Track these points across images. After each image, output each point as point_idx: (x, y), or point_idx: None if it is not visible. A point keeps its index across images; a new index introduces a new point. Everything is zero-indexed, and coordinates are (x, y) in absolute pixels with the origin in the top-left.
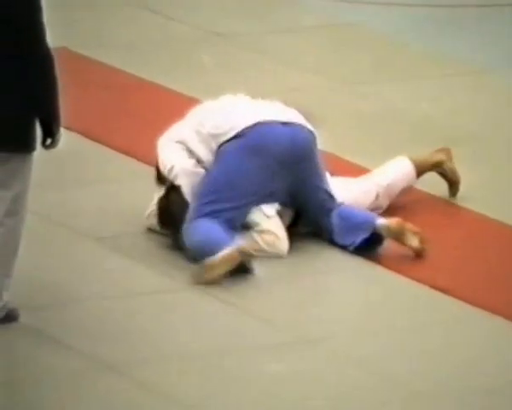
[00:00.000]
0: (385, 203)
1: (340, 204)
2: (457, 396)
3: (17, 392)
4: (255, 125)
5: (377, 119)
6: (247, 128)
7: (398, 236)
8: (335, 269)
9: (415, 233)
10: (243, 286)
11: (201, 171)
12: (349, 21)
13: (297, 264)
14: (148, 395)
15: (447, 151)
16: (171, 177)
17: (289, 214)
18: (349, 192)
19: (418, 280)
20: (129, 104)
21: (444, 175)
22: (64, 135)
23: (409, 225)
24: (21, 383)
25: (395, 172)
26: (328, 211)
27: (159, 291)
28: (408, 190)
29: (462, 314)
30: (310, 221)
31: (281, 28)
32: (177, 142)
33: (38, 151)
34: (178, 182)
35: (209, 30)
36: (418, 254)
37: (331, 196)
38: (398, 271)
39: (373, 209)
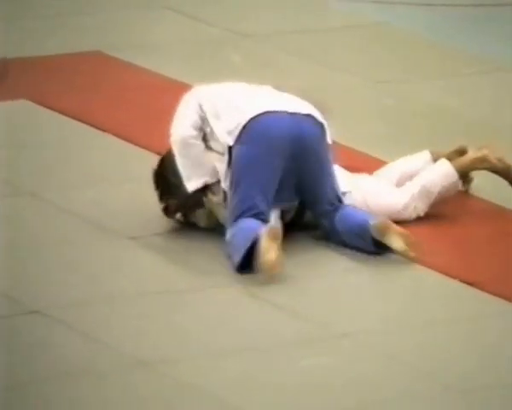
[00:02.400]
0: (421, 207)
1: (345, 206)
2: (488, 391)
3: (47, 389)
4: (260, 115)
5: (405, 117)
6: (252, 119)
7: (382, 236)
8: (362, 265)
9: (400, 235)
10: (273, 282)
11: (200, 145)
12: (376, 21)
13: (323, 260)
14: (181, 391)
15: (488, 146)
16: (170, 140)
17: (294, 208)
18: (377, 184)
19: (447, 274)
20: (160, 105)
21: (495, 170)
22: (98, 136)
23: (393, 227)
24: (51, 380)
25: (432, 172)
26: (330, 212)
27: (191, 289)
28: (452, 193)
29: (491, 309)
30: (314, 217)
31: (308, 28)
32: (200, 104)
33: (68, 152)
34: (173, 149)
35: (237, 30)
36: (405, 256)
37: (337, 197)
38: (428, 265)
39: (409, 215)
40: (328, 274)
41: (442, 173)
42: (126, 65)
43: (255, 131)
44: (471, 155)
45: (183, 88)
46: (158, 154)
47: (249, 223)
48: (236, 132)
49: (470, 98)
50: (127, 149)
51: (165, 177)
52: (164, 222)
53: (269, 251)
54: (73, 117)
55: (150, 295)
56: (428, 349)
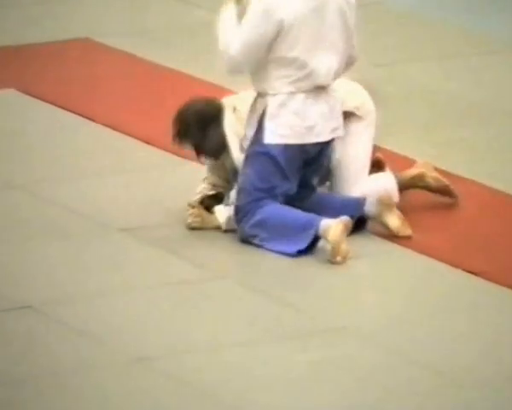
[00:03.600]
0: None
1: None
2: (496, 383)
3: (40, 386)
4: None
5: (402, 100)
6: None
7: (382, 211)
8: (367, 254)
9: (398, 215)
10: (273, 274)
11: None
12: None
13: (322, 253)
14: (179, 387)
15: (426, 164)
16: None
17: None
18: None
19: (452, 264)
20: (149, 92)
21: (429, 188)
22: (87, 126)
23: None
24: (45, 377)
25: (373, 183)
26: None
27: (187, 281)
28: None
29: (498, 299)
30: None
31: None
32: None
33: (57, 142)
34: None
35: None
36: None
37: None
38: (431, 255)
39: None
40: (328, 266)
41: (382, 184)
42: (115, 51)
43: None
44: (411, 171)
45: (172, 74)
46: (147, 143)
47: (295, 213)
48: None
49: (471, 80)
50: (117, 139)
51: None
52: (155, 214)
53: (343, 242)
54: (62, 106)
55: (144, 289)
56: (434, 342)
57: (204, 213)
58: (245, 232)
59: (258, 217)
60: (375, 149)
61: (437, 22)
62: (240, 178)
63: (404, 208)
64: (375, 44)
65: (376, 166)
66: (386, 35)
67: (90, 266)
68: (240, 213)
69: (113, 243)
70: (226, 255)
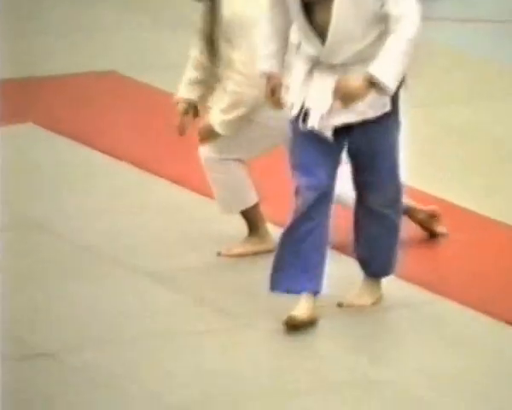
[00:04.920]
0: None
1: None
2: None
3: None
4: None
5: (443, 141)
6: None
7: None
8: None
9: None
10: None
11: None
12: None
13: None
14: None
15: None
16: None
17: None
18: None
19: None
20: (176, 129)
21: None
22: (110, 163)
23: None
24: None
25: None
26: None
27: (214, 330)
28: None
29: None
30: None
31: None
32: None
33: (79, 180)
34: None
35: None
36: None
37: None
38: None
39: None
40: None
41: None
42: (141, 85)
43: None
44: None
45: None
46: (173, 181)
47: (304, 263)
48: None
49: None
50: (141, 177)
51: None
52: (181, 256)
53: (301, 312)
54: (83, 142)
55: (169, 337)
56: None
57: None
58: None
59: None
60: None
61: (487, 62)
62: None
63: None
64: (422, 84)
65: (431, 217)
66: (433, 75)
67: (113, 311)
68: None
69: (138, 286)
70: (254, 302)
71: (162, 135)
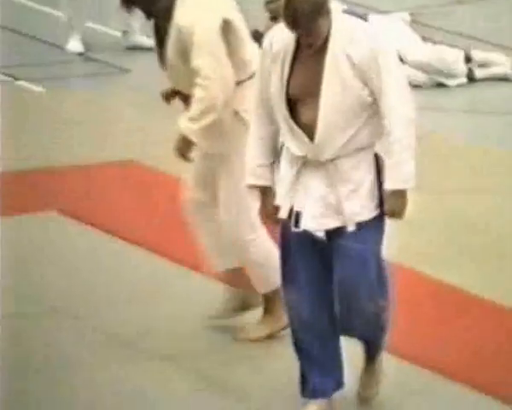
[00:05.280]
0: None
1: None
2: None
3: None
4: None
5: (457, 231)
6: None
7: None
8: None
9: None
10: None
11: None
12: (430, 130)
13: None
14: None
15: None
16: None
17: None
18: None
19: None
20: None
21: None
22: (130, 251)
23: None
24: None
25: None
26: None
27: None
28: None
29: None
30: None
31: None
32: None
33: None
34: None
35: None
36: None
37: None
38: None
39: None
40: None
41: None
42: (161, 174)
43: None
44: None
45: None
46: (192, 269)
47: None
48: None
49: None
50: (161, 265)
51: None
52: (198, 341)
53: None
54: (105, 230)
55: None
56: None
57: None
58: None
59: None
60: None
61: (495, 152)
62: None
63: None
64: (429, 173)
65: None
66: (440, 165)
67: (130, 399)
68: None
69: (154, 372)
70: (271, 388)
71: (181, 223)
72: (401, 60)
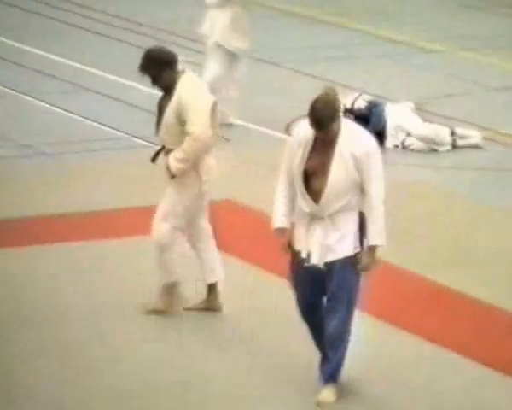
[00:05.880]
0: None
1: None
2: None
3: None
4: None
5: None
6: None
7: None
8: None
9: None
10: None
11: None
12: (426, 180)
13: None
14: None
15: None
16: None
17: None
18: None
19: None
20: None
21: None
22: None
23: None
24: None
25: None
26: None
27: None
28: None
29: None
30: None
31: None
32: None
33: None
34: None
35: None
36: None
37: None
38: None
39: None
40: None
41: None
42: (255, 212)
43: None
44: None
45: None
46: None
47: None
48: None
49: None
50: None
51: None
52: None
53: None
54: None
55: None
56: None
57: None
58: None
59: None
60: None
61: (485, 205)
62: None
63: None
64: (422, 221)
65: None
66: (431, 213)
67: None
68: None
69: None
70: None
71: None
72: (408, 134)
